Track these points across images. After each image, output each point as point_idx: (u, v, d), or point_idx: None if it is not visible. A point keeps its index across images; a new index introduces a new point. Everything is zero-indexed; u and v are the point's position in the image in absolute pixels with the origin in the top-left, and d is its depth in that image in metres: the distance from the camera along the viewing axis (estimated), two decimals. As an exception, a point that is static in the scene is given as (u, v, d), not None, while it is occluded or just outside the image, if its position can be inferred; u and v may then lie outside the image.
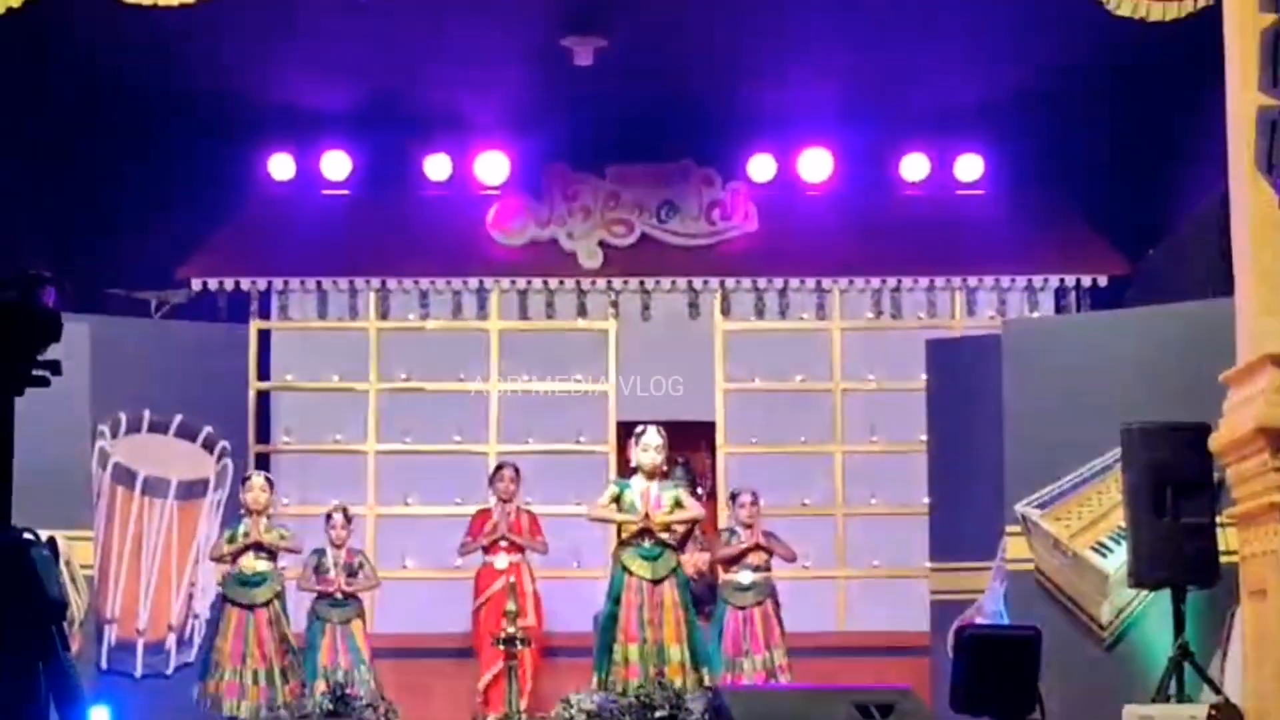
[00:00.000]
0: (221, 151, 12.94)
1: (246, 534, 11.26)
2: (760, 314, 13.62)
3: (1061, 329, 12.05)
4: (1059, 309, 13.48)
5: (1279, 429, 7.82)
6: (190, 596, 11.98)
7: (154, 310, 13.26)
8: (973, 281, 13.58)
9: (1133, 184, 12.66)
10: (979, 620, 11.56)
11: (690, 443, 13.28)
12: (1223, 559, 9.19)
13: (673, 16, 11.49)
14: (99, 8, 9.55)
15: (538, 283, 13.58)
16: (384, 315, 13.62)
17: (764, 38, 11.62)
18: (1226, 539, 9.10)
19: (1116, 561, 10.32)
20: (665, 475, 10.78)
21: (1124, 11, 9.35)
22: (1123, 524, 9.90)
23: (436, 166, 13.44)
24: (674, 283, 13.59)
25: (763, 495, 11.68)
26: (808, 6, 11.17)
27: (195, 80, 11.99)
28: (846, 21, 11.38)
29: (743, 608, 11.27)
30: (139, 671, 11.76)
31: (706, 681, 10.19)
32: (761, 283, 13.57)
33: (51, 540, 3.33)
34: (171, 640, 11.90)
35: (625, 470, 12.58)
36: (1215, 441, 8.68)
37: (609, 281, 13.58)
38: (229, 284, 13.39)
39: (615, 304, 13.61)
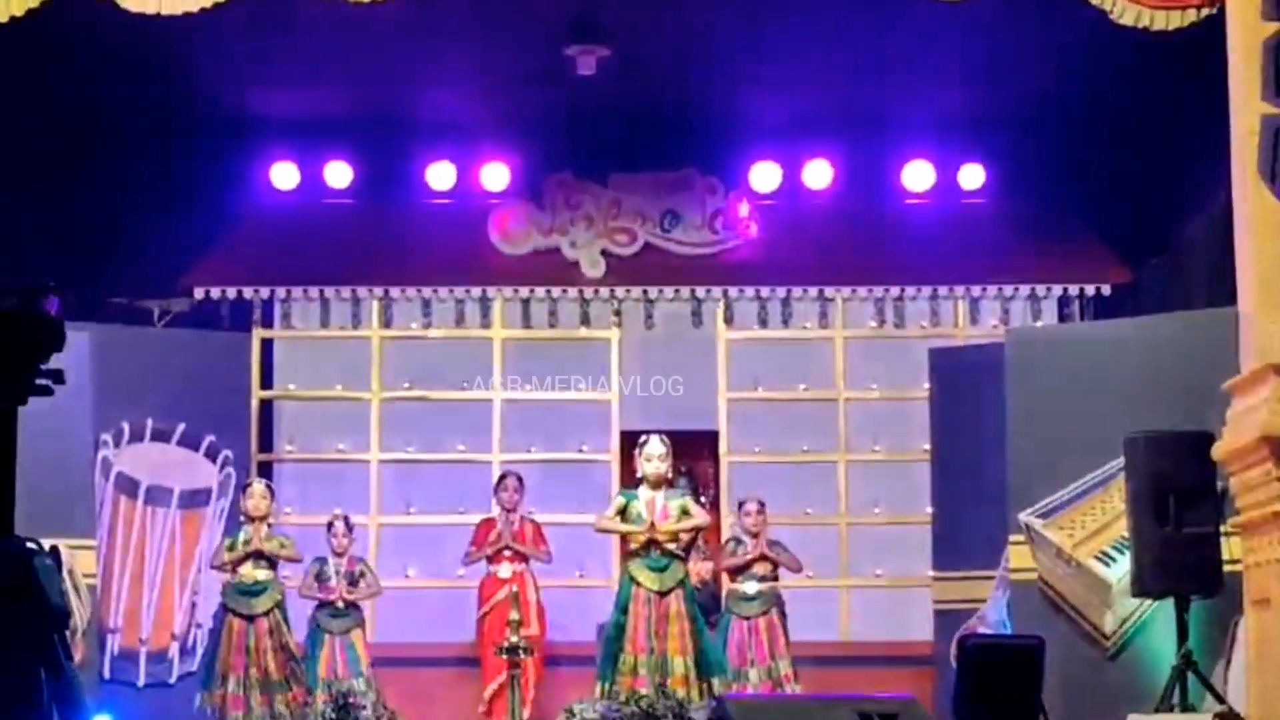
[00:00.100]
0: (224, 160, 12.95)
1: (247, 541, 11.25)
2: (763, 323, 13.61)
3: (1064, 338, 12.05)
4: (1062, 318, 13.47)
5: (1283, 438, 7.82)
6: (193, 605, 11.98)
7: (157, 319, 13.27)
8: (976, 290, 13.57)
9: (1136, 192, 12.66)
10: (982, 630, 11.55)
11: (693, 452, 13.27)
12: (1226, 568, 9.18)
13: (675, 26, 11.49)
14: (103, 16, 9.55)
15: (540, 291, 13.57)
16: (387, 324, 13.61)
17: (767, 47, 11.62)
18: (1230, 548, 9.10)
19: (1120, 571, 10.31)
20: (670, 484, 10.76)
21: (1127, 20, 9.35)
22: (1126, 533, 9.90)
23: (439, 175, 13.44)
24: (677, 291, 13.58)
25: (765, 504, 11.67)
26: (811, 16, 11.16)
27: (198, 88, 12.00)
28: (850, 30, 11.37)
29: (747, 618, 11.26)
30: (142, 680, 11.76)
31: (717, 690, 10.17)
32: (764, 292, 13.56)
33: (54, 549, 3.33)
34: (174, 649, 11.90)
35: (628, 479, 12.60)
36: (1219, 450, 8.68)
37: (612, 290, 13.57)
38: (231, 293, 13.38)
39: (618, 313, 13.61)
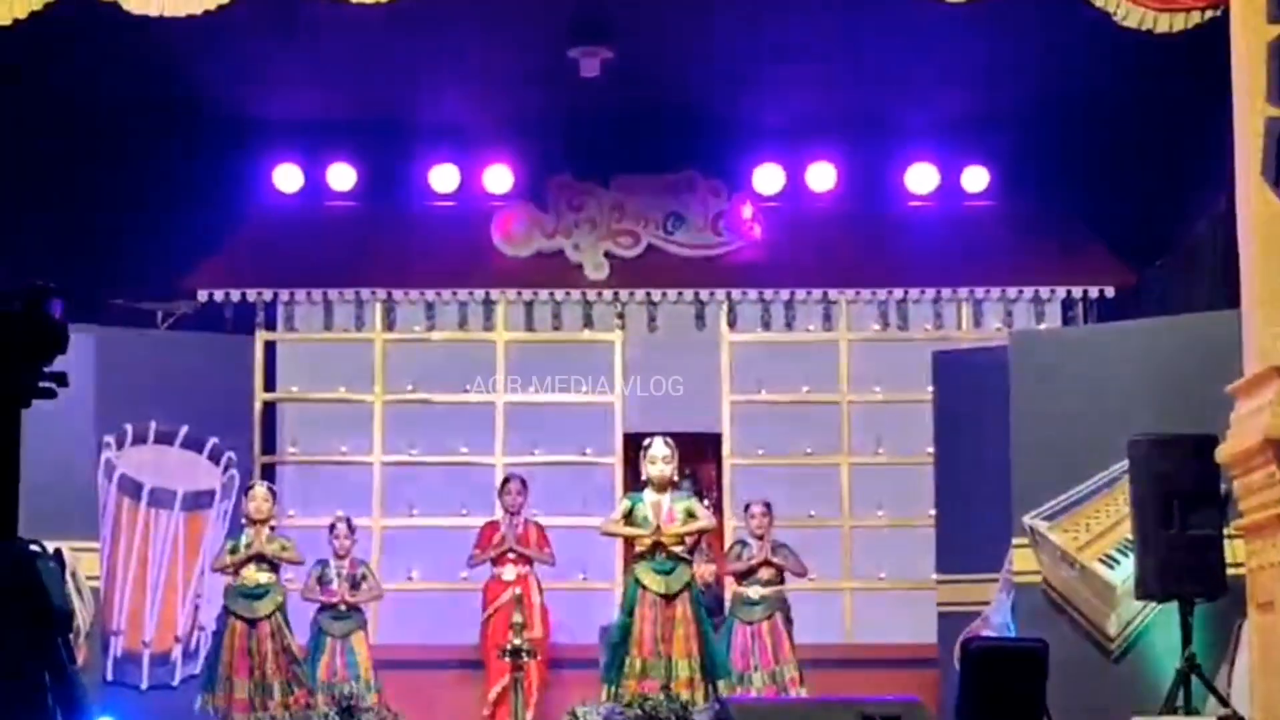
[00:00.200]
0: (227, 163, 12.95)
1: (249, 544, 11.24)
2: (767, 325, 13.60)
3: (1068, 341, 12.05)
4: (1066, 321, 13.46)
5: (1287, 441, 7.82)
6: (196, 608, 11.99)
7: (160, 321, 13.27)
8: (979, 293, 13.56)
9: (1140, 195, 12.64)
10: (986, 632, 11.55)
11: (696, 454, 13.25)
12: (1230, 571, 9.19)
13: (678, 28, 11.49)
14: (106, 18, 9.55)
15: (544, 294, 13.57)
16: (390, 326, 13.61)
17: (770, 49, 11.61)
18: (1234, 551, 9.10)
19: (1124, 573, 10.31)
20: (675, 486, 10.74)
21: (1131, 23, 9.35)
22: (1130, 536, 9.90)
23: (442, 178, 13.44)
24: (680, 294, 13.57)
25: (771, 507, 11.64)
26: (814, 18, 11.16)
27: (201, 91, 12.00)
28: (853, 32, 11.38)
29: (751, 622, 11.23)
30: (145, 683, 11.76)
31: (720, 692, 10.16)
32: (768, 294, 13.55)
33: (58, 552, 3.33)
34: (177, 652, 11.90)
35: (631, 482, 12.60)
36: (1222, 453, 8.68)
37: (615, 293, 13.56)
38: (235, 295, 13.37)
39: (621, 315, 13.60)
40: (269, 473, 12.90)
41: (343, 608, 11.53)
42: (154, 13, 9.43)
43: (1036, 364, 11.19)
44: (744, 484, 13.09)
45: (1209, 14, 9.23)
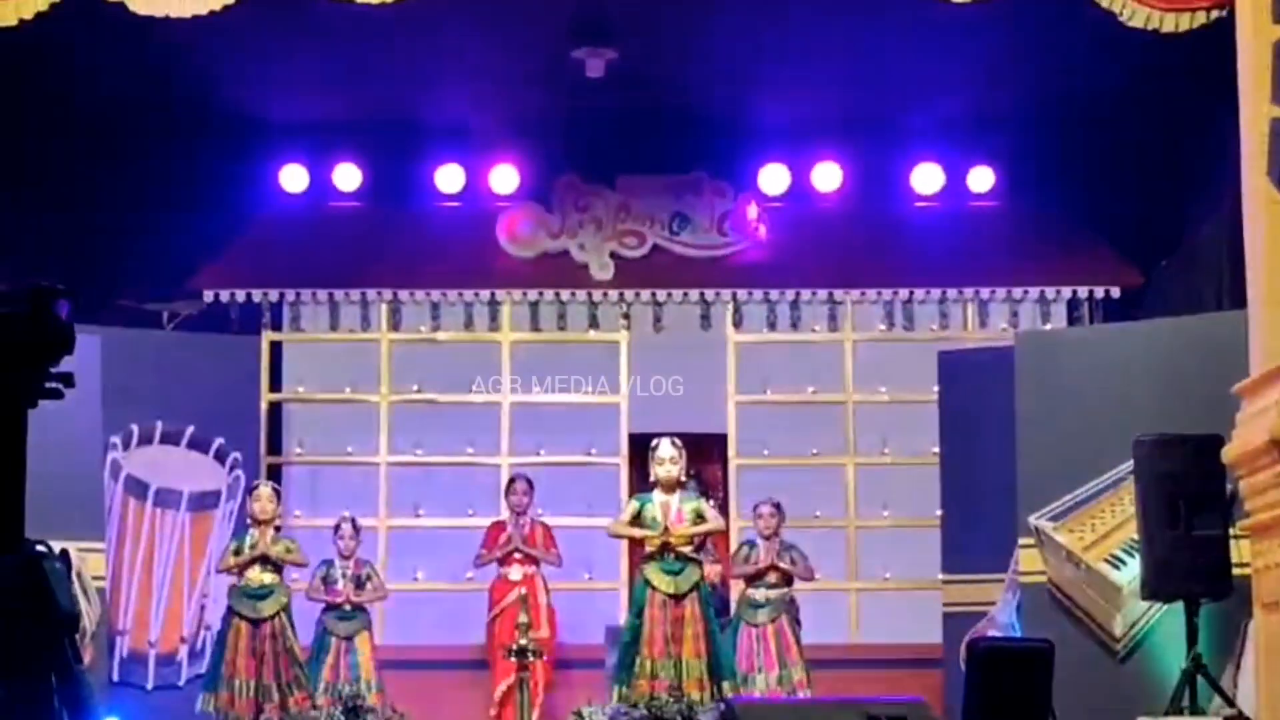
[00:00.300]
0: (233, 163, 12.96)
1: (254, 545, 11.23)
2: (772, 326, 13.61)
3: (1074, 341, 12.05)
4: (1071, 321, 13.46)
5: (1292, 441, 7.81)
6: (202, 608, 11.99)
7: (166, 322, 13.28)
8: (985, 293, 13.56)
9: (1145, 195, 12.65)
10: (991, 632, 11.54)
11: (702, 455, 13.25)
12: (1235, 571, 9.19)
13: (683, 29, 11.49)
14: (112, 19, 9.56)
15: (549, 294, 13.57)
16: (395, 327, 13.62)
17: (775, 50, 11.62)
18: (1239, 551, 9.10)
19: (1129, 574, 10.31)
20: (683, 486, 10.74)
21: (1136, 23, 9.35)
22: (1135, 536, 9.89)
23: (448, 178, 13.44)
24: (686, 294, 13.58)
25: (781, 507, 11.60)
26: (819, 19, 11.16)
27: (206, 91, 12.01)
28: (858, 34, 11.37)
29: (757, 625, 11.20)
30: (151, 683, 11.77)
31: (725, 693, 10.16)
32: (773, 294, 13.55)
33: (64, 552, 3.33)
34: (183, 652, 11.91)
35: (636, 482, 12.61)
36: (1228, 453, 8.68)
37: (620, 293, 13.56)
38: (241, 295, 13.39)
39: (627, 316, 13.60)
40: (275, 473, 12.91)
41: (348, 608, 11.53)
42: (160, 14, 9.44)
43: (1042, 364, 11.19)
44: (749, 484, 13.09)
45: (1214, 14, 9.23)
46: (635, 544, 11.20)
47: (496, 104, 12.79)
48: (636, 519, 10.59)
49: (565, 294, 13.57)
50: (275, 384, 13.45)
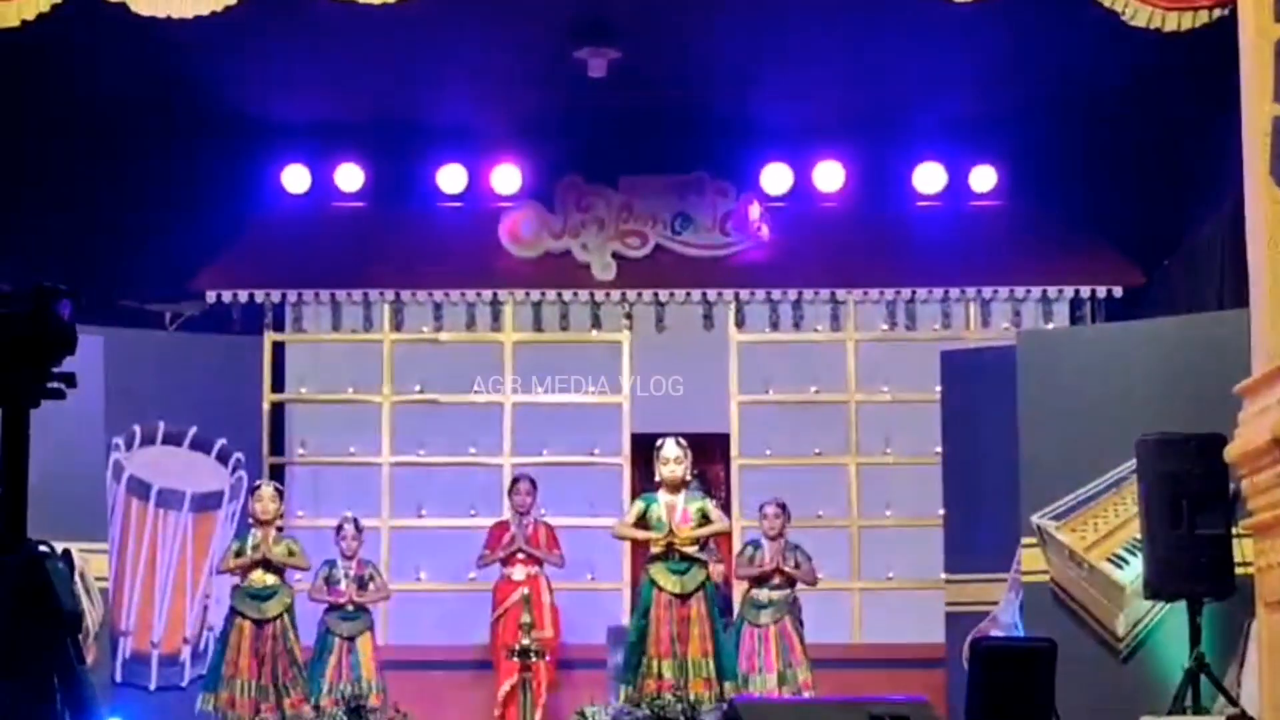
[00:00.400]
0: (236, 164, 12.97)
1: (256, 546, 11.22)
2: (774, 325, 13.61)
3: (1076, 340, 12.05)
4: (1074, 320, 13.46)
5: (1295, 440, 7.81)
6: (205, 609, 12.00)
7: (168, 322, 13.28)
8: (987, 293, 13.56)
9: (1148, 194, 12.64)
10: (994, 632, 11.55)
11: (704, 455, 13.24)
12: (1238, 570, 9.18)
13: (686, 29, 11.49)
14: (113, 21, 9.56)
15: (551, 294, 13.57)
16: (398, 327, 13.62)
17: (777, 50, 11.61)
18: (1242, 550, 9.09)
19: (1132, 573, 10.31)
20: (688, 486, 10.72)
21: (1139, 22, 9.35)
22: (1138, 535, 9.89)
23: (450, 178, 13.44)
24: (688, 294, 13.57)
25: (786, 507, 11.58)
26: (821, 19, 11.16)
27: (208, 91, 12.01)
28: (860, 33, 11.37)
29: (760, 625, 11.19)
30: (153, 684, 11.78)
31: (727, 693, 10.16)
32: (776, 294, 13.55)
33: (66, 552, 3.33)
34: (186, 653, 11.92)
35: (639, 482, 12.62)
36: (1230, 452, 8.67)
37: (623, 293, 13.56)
38: (243, 296, 13.39)
39: (629, 316, 13.60)
40: (277, 473, 12.90)
41: (350, 608, 11.52)
42: (161, 14, 9.44)
43: (1044, 363, 11.19)
44: (752, 484, 13.09)
45: (1217, 13, 9.23)
46: (639, 544, 11.18)
47: (498, 104, 12.79)
48: (642, 519, 10.58)
49: (568, 294, 13.57)
50: (277, 384, 13.45)
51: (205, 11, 9.45)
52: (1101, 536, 10.69)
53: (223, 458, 12.23)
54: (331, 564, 11.61)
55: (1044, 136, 12.69)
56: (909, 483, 13.17)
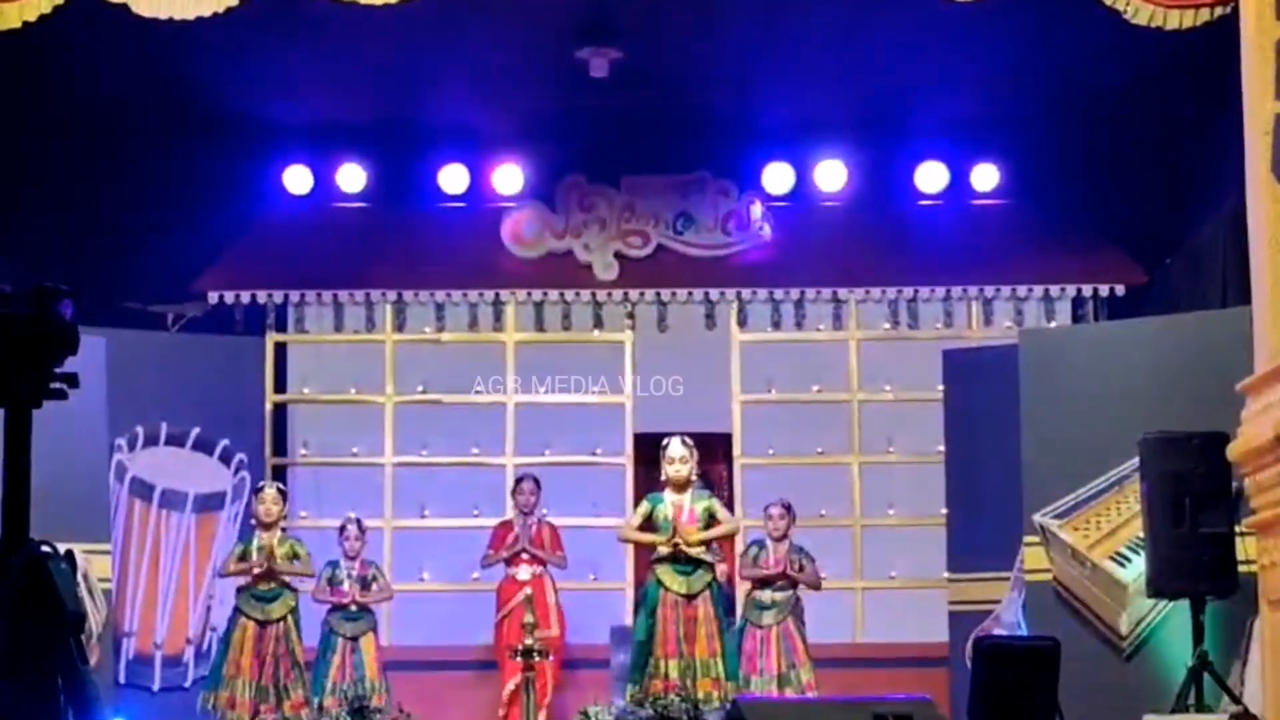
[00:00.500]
0: (238, 165, 12.97)
1: (261, 548, 11.21)
2: (777, 325, 13.61)
3: (1078, 339, 12.05)
4: (1076, 319, 13.45)
5: (1297, 438, 7.81)
6: (208, 609, 12.00)
7: (170, 323, 13.28)
8: (989, 291, 13.55)
9: (1149, 193, 12.64)
10: (997, 631, 11.55)
11: (707, 454, 13.23)
12: (1241, 568, 9.18)
13: (687, 28, 11.49)
14: (115, 22, 9.57)
15: (554, 294, 13.57)
16: (400, 327, 13.62)
17: (778, 49, 11.61)
18: (1245, 548, 9.09)
19: (1135, 571, 10.31)
20: (693, 485, 10.72)
21: (1140, 20, 9.35)
22: (1141, 534, 9.89)
23: (452, 179, 13.43)
24: (690, 294, 13.57)
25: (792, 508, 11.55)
26: (822, 18, 11.16)
27: (211, 93, 12.01)
28: (862, 33, 11.37)
29: (762, 626, 11.17)
30: (157, 685, 11.79)
31: (730, 693, 10.16)
32: (778, 294, 13.55)
33: (69, 553, 3.33)
34: (189, 653, 11.92)
35: (641, 482, 12.62)
36: (1233, 450, 8.67)
37: (625, 293, 13.56)
38: (245, 297, 13.39)
39: (631, 315, 13.61)
40: (280, 474, 12.91)
41: (353, 608, 11.53)
42: (163, 15, 9.44)
43: (1047, 362, 11.19)
44: (754, 484, 13.10)
45: (1218, 11, 9.22)
46: (645, 546, 11.14)
47: (500, 104, 12.79)
48: (648, 520, 10.58)
49: (570, 294, 13.58)
50: (280, 385, 13.45)
51: (207, 12, 9.45)
52: (1104, 535, 10.69)
53: (225, 458, 12.24)
54: (335, 564, 11.61)
55: (1046, 135, 12.69)
56: (911, 482, 13.17)
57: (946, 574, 12.31)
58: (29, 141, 11.58)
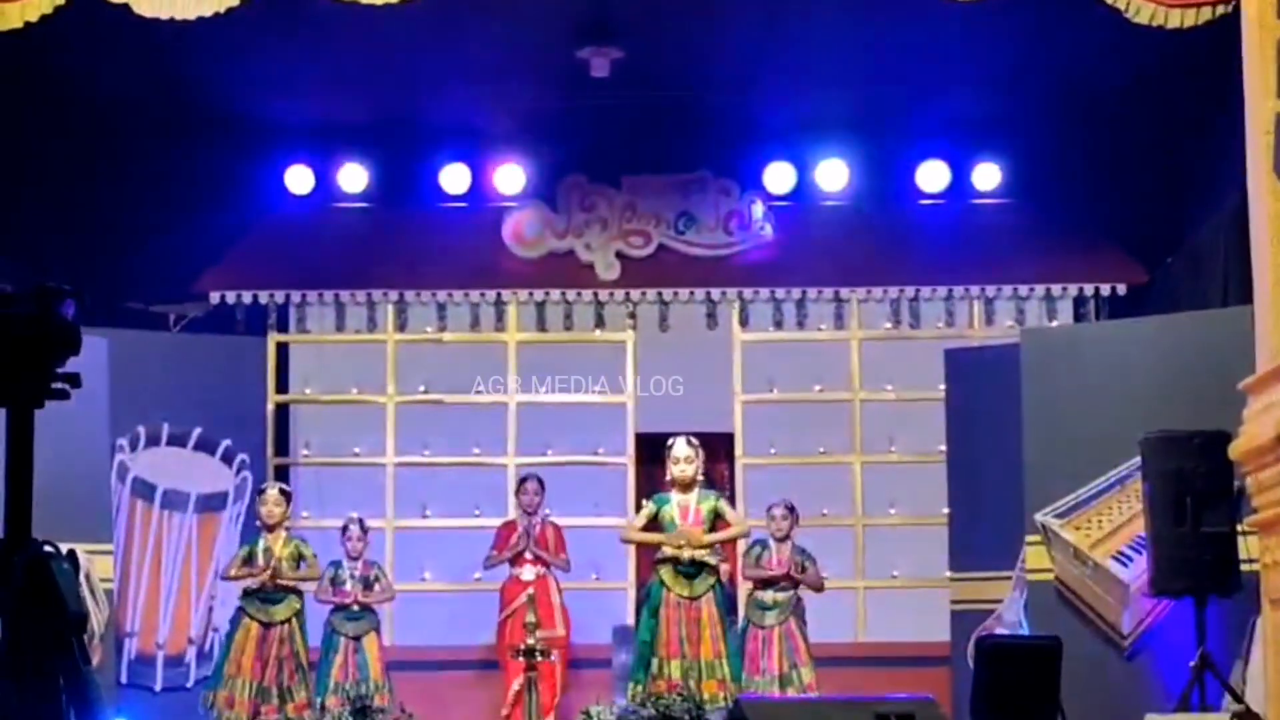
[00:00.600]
0: (239, 165, 12.97)
1: (267, 550, 11.20)
2: (778, 324, 13.61)
3: (1080, 338, 12.04)
4: (1078, 318, 13.45)
5: (1299, 436, 7.80)
6: (210, 609, 12.01)
7: (172, 324, 13.29)
8: (991, 291, 13.55)
9: (1150, 192, 12.64)
10: (999, 630, 11.55)
11: (709, 454, 13.22)
12: (1243, 567, 9.17)
13: (689, 28, 11.49)
14: (116, 22, 9.56)
15: (555, 294, 13.57)
16: (402, 327, 13.62)
17: (779, 48, 11.61)
18: (1247, 547, 9.09)
19: (1137, 570, 10.30)
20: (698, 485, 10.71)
21: (1142, 19, 9.34)
22: (1143, 533, 9.89)
23: (453, 179, 13.43)
24: (691, 293, 13.57)
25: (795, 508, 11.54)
26: (824, 17, 11.16)
27: (212, 93, 12.01)
28: (863, 32, 11.37)
29: (764, 627, 11.16)
30: (159, 685, 11.79)
31: (733, 694, 10.16)
32: (779, 293, 13.55)
33: (71, 553, 3.33)
34: (191, 653, 11.93)
35: (643, 481, 12.62)
36: (1235, 449, 8.66)
37: (627, 293, 13.57)
38: (247, 297, 13.40)
39: (633, 315, 13.61)
40: (282, 474, 12.91)
41: (356, 609, 11.53)
42: (164, 15, 9.44)
43: (1048, 361, 11.18)
44: (756, 483, 13.10)
45: (1220, 10, 9.22)
46: (647, 547, 11.12)
47: (501, 104, 12.79)
48: (654, 520, 10.58)
49: (571, 294, 13.58)
50: (282, 385, 13.46)
51: (208, 12, 9.45)
52: (1106, 534, 10.69)
53: (227, 459, 12.24)
54: (337, 564, 11.61)
55: (1047, 135, 12.69)
56: (913, 481, 13.17)
57: (948, 573, 12.31)
58: (30, 141, 11.58)
